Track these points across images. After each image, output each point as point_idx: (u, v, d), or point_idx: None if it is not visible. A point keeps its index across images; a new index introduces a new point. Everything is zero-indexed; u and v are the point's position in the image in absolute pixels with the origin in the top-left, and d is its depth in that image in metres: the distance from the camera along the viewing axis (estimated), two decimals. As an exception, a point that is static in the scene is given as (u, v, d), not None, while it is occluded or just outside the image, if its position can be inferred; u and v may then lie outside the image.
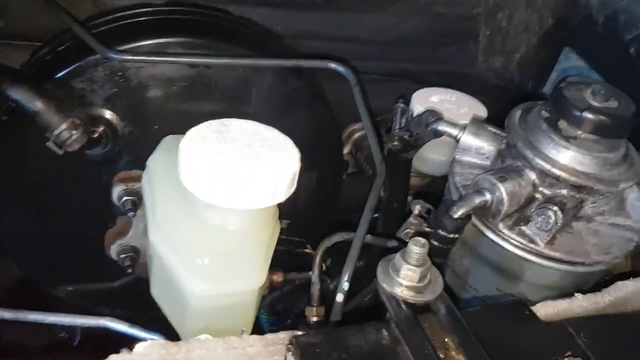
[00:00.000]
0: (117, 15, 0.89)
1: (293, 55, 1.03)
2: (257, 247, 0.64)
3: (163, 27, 0.88)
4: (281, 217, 0.90)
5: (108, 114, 0.86)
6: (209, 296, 0.61)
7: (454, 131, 0.80)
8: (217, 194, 0.59)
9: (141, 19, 0.89)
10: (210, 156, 0.60)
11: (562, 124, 0.71)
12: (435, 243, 0.70)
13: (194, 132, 0.64)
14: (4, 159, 0.87)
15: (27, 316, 0.77)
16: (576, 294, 0.64)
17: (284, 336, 0.53)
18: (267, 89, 0.94)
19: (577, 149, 0.70)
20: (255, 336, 0.52)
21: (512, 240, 0.71)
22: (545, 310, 0.61)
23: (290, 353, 0.50)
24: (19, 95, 0.76)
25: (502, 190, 0.70)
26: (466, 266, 0.78)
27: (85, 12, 0.91)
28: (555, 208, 0.68)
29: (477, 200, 0.70)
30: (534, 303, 0.62)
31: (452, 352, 0.52)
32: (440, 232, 0.70)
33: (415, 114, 0.91)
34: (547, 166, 0.70)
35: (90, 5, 0.91)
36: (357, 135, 1.11)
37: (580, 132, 0.70)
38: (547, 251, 0.70)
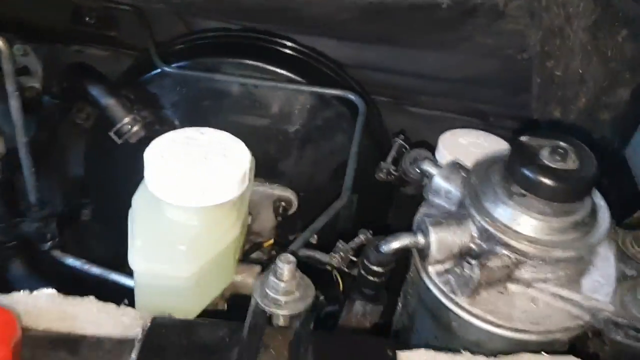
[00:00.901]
0: (195, 36, 1.08)
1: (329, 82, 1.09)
2: (195, 240, 0.75)
3: (222, 48, 1.04)
4: (321, 236, 1.00)
5: (172, 117, 1.06)
6: (144, 274, 0.74)
7: (432, 171, 0.81)
8: (161, 189, 0.71)
9: (209, 40, 1.06)
10: (160, 157, 0.73)
11: (510, 179, 0.69)
12: (362, 272, 0.74)
13: (160, 140, 0.77)
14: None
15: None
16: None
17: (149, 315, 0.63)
18: (308, 111, 1.04)
19: (518, 207, 0.67)
20: (131, 309, 0.64)
21: (439, 287, 0.71)
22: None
23: (142, 329, 0.60)
24: (95, 91, 0.99)
25: (432, 235, 0.70)
26: (413, 307, 0.79)
27: (179, 30, 1.12)
28: (473, 262, 0.67)
29: (407, 240, 0.72)
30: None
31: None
32: (365, 261, 0.73)
33: (437, 155, 0.92)
34: (482, 220, 0.68)
35: (183, 25, 1.11)
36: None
37: (523, 191, 0.67)
38: (466, 305, 0.69)
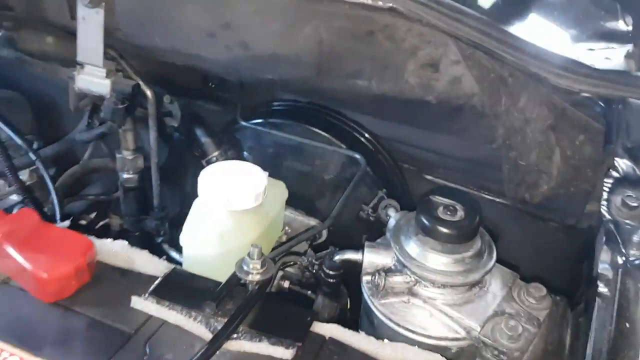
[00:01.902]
0: (273, 103, 1.51)
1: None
2: (223, 232, 1.13)
3: (288, 113, 1.46)
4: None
5: (248, 157, 1.48)
6: (187, 249, 1.14)
7: (391, 215, 1.12)
8: (205, 195, 1.12)
9: (281, 106, 1.49)
10: (207, 175, 1.14)
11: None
12: (321, 274, 1.07)
13: (215, 165, 1.18)
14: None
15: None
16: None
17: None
18: (341, 166, 1.40)
19: (419, 243, 0.97)
20: (167, 262, 1.04)
21: (366, 291, 1.02)
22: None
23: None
24: (199, 132, 1.45)
25: (366, 254, 1.03)
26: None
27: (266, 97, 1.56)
28: (382, 274, 0.97)
29: (350, 255, 1.05)
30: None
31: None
32: (322, 266, 1.07)
33: None
34: (395, 248, 0.99)
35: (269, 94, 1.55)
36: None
37: (422, 233, 0.97)
38: (378, 306, 0.99)
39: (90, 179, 1.81)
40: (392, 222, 1.10)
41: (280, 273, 1.28)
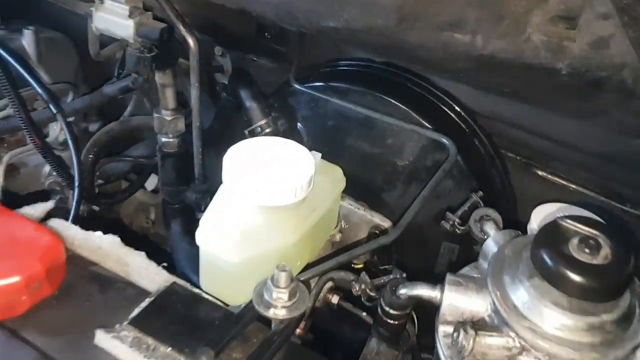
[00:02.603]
0: (339, 62, 1.17)
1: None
2: (249, 232, 0.83)
3: (356, 76, 1.11)
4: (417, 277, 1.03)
5: (302, 129, 1.16)
6: (202, 247, 0.85)
7: (490, 233, 0.78)
8: (231, 183, 0.82)
9: (350, 67, 1.14)
10: (235, 156, 0.83)
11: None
12: (379, 311, 0.75)
13: (244, 142, 0.87)
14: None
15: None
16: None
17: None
18: (420, 150, 1.06)
19: (533, 292, 0.62)
20: (165, 272, 0.75)
21: (442, 348, 0.69)
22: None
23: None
24: (244, 93, 1.14)
25: (446, 294, 0.69)
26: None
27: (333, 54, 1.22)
28: (470, 332, 0.64)
29: (423, 291, 0.71)
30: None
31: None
32: (381, 301, 0.74)
33: (528, 227, 0.86)
34: (494, 294, 0.65)
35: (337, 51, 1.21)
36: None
37: (541, 277, 0.62)
38: (458, 373, 0.66)
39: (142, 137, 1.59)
40: (490, 247, 0.75)
41: (330, 284, 0.97)
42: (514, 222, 1.06)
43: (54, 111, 1.26)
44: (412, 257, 1.13)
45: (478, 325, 0.66)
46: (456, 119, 1.09)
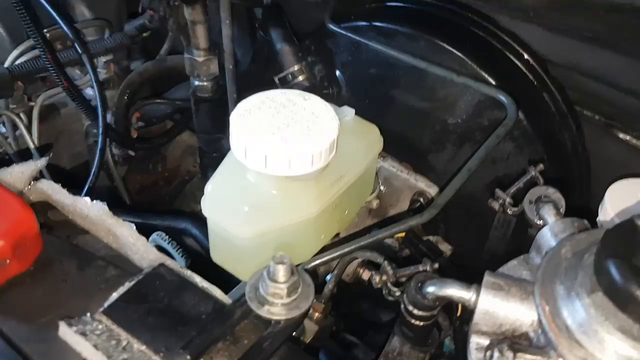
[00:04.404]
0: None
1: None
2: (260, 205, 0.71)
3: (405, 15, 0.94)
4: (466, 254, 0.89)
5: (340, 78, 1.01)
6: (210, 220, 0.74)
7: (548, 220, 0.62)
8: (237, 149, 0.69)
9: (399, 3, 0.96)
10: (243, 116, 0.70)
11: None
12: (402, 309, 0.62)
13: (252, 98, 0.73)
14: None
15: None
16: None
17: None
18: (475, 106, 0.89)
19: (593, 310, 0.48)
20: (155, 251, 0.65)
21: (471, 355, 0.56)
22: None
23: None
24: (274, 34, 1.00)
25: (481, 299, 0.55)
26: None
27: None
28: (508, 355, 0.50)
29: (454, 291, 0.57)
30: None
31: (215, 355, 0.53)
32: (404, 298, 0.61)
33: (600, 209, 0.69)
34: (540, 307, 0.51)
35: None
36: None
37: (599, 295, 0.47)
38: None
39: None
40: (546, 239, 0.60)
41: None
42: (585, 202, 0.89)
43: (80, 51, 1.18)
44: (460, 228, 0.99)
45: (518, 343, 0.53)
46: (523, 68, 0.91)
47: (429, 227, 0.99)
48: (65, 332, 0.54)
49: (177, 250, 1.05)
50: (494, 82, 0.87)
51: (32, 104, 1.31)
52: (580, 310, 0.49)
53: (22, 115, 1.31)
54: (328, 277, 0.85)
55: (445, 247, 0.96)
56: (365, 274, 0.86)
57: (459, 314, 0.76)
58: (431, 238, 0.99)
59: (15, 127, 1.31)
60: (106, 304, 0.57)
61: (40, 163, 0.73)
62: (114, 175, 1.41)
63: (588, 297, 0.49)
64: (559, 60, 0.91)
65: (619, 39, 0.78)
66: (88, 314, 0.56)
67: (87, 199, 0.69)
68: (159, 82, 1.47)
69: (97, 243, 0.68)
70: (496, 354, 0.51)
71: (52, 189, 0.71)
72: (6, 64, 1.22)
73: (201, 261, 0.96)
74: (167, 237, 1.08)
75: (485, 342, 0.55)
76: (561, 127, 0.91)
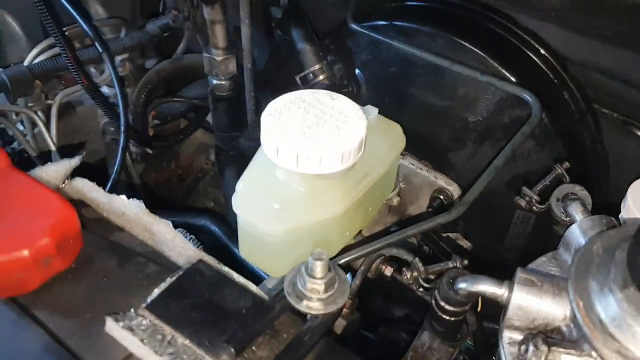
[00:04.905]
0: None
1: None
2: (290, 202, 0.73)
3: (425, 14, 0.95)
4: (485, 249, 0.90)
5: (360, 76, 1.02)
6: (240, 218, 0.75)
7: (576, 217, 0.64)
8: (268, 147, 0.71)
9: (421, 2, 0.98)
10: (273, 116, 0.72)
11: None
12: (433, 304, 0.64)
13: (282, 98, 0.75)
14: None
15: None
16: None
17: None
18: (496, 104, 0.90)
19: (626, 306, 0.49)
20: (192, 247, 0.67)
21: (505, 355, 0.58)
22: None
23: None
24: (295, 34, 1.01)
25: (515, 294, 0.57)
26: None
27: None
28: (542, 348, 0.52)
29: (487, 287, 0.59)
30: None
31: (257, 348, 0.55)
32: (435, 293, 0.63)
33: (622, 206, 0.70)
34: (574, 302, 0.52)
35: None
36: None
37: (632, 290, 0.49)
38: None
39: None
40: (575, 236, 0.61)
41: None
42: (603, 199, 0.91)
43: (100, 50, 1.19)
44: (479, 225, 1.00)
45: (552, 337, 0.55)
46: (543, 66, 0.92)
47: (449, 224, 1.01)
48: (112, 327, 0.55)
49: (198, 247, 1.06)
50: (514, 80, 0.88)
51: (50, 102, 1.33)
52: (613, 304, 0.51)
53: (39, 113, 1.32)
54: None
55: (464, 244, 0.98)
56: (388, 270, 0.88)
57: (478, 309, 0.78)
58: (450, 235, 1.01)
59: (33, 125, 1.32)
60: (149, 300, 0.59)
61: (74, 162, 0.75)
62: (131, 173, 1.43)
63: (621, 292, 0.50)
64: (578, 58, 0.92)
65: (638, 38, 0.79)
66: (132, 310, 0.57)
67: (124, 197, 0.70)
68: (173, 81, 1.49)
69: (133, 240, 0.69)
70: (531, 348, 0.53)
71: (87, 187, 0.72)
72: (25, 63, 1.24)
73: (218, 257, 0.98)
74: (187, 233, 1.09)
75: (518, 336, 0.57)
76: (580, 125, 0.92)
